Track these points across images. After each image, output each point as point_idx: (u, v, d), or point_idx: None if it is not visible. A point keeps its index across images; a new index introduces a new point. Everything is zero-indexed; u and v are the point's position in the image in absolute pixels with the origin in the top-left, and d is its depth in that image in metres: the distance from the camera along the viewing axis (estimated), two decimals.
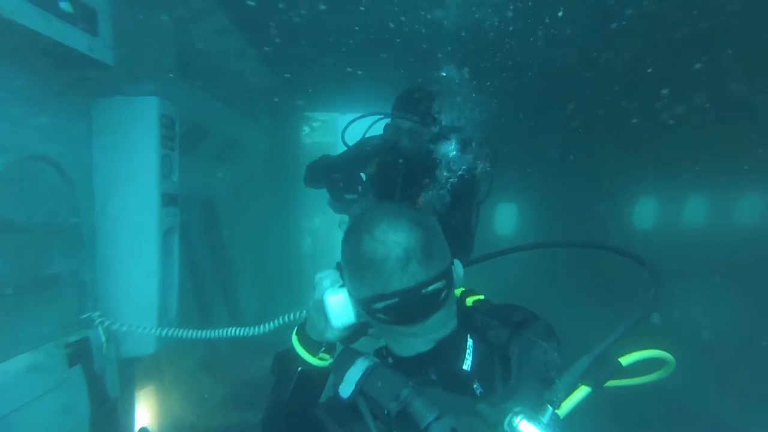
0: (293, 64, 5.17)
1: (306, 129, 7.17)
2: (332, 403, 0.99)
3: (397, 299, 0.93)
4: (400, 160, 2.56)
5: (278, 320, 2.12)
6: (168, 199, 2.57)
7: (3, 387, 1.78)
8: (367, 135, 2.95)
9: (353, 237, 0.99)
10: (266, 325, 2.16)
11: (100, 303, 2.39)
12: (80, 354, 2.16)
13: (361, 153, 2.81)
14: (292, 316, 2.10)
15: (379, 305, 0.95)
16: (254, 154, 5.93)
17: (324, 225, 8.04)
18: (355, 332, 1.13)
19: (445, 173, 2.50)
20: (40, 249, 2.10)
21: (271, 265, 6.51)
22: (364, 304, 0.99)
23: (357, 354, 1.00)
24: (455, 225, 2.54)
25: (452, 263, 1.02)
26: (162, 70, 3.17)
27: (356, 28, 4.11)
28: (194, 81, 3.96)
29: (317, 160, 2.86)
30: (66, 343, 2.11)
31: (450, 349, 1.01)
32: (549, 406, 0.85)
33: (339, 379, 0.96)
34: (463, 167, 2.56)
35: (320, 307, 1.08)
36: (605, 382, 0.96)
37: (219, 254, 5.23)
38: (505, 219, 7.27)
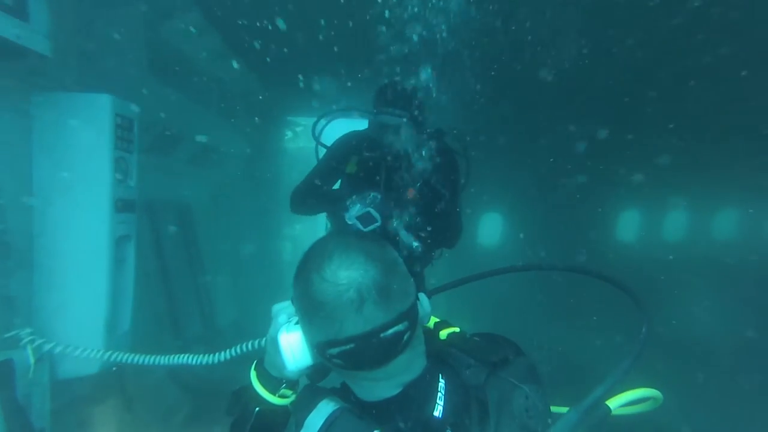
0: (275, 69, 5.05)
1: (289, 134, 7.03)
2: None
3: (352, 345, 0.84)
4: (380, 155, 2.52)
5: (234, 349, 1.98)
6: (123, 205, 2.40)
7: None
8: (321, 133, 2.95)
9: (302, 276, 0.88)
10: (220, 354, 2.02)
11: (35, 319, 2.18)
12: (1, 378, 1.95)
13: (336, 157, 2.73)
14: (249, 345, 1.97)
15: (334, 351, 0.86)
16: (234, 158, 5.78)
17: (305, 232, 7.88)
18: (317, 369, 1.02)
19: (424, 164, 2.49)
20: None
21: (249, 273, 6.34)
22: (318, 349, 0.90)
23: (320, 395, 0.93)
24: (446, 212, 2.55)
25: (416, 299, 0.92)
26: (130, 68, 3.01)
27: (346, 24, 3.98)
28: (168, 82, 3.81)
29: (303, 186, 2.76)
30: None
31: (419, 393, 0.92)
32: None
33: (299, 425, 0.88)
34: (444, 157, 2.58)
35: (275, 344, 0.97)
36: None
37: (194, 261, 5.05)
38: (490, 230, 7.19)
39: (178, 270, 4.71)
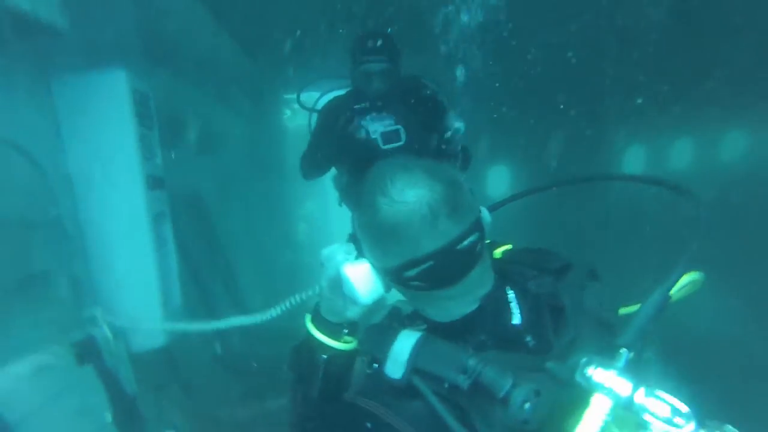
0: (268, 46, 4.96)
1: (288, 112, 6.96)
2: (373, 387, 0.89)
3: (431, 262, 0.85)
4: (369, 104, 2.67)
5: (287, 302, 2.01)
6: (154, 182, 2.40)
7: (12, 392, 1.65)
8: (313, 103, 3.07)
9: (367, 204, 0.88)
10: (275, 308, 2.05)
11: (99, 298, 2.24)
12: (88, 353, 2.02)
13: (326, 119, 2.85)
14: (299, 297, 2.00)
15: (412, 272, 0.86)
16: (238, 142, 5.74)
17: (317, 209, 7.90)
18: (377, 305, 1.02)
19: (412, 99, 2.67)
20: (19, 246, 1.93)
21: (268, 255, 6.38)
22: (393, 274, 0.90)
23: (394, 328, 0.92)
24: (447, 149, 2.66)
25: (480, 211, 0.93)
26: (125, 49, 2.95)
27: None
28: (165, 67, 3.74)
29: (307, 152, 2.95)
30: (71, 343, 1.98)
31: (495, 305, 0.94)
32: (622, 350, 0.77)
33: (382, 359, 0.87)
34: (427, 94, 2.74)
35: (337, 284, 0.97)
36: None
37: (213, 246, 5.07)
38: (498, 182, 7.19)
39: (199, 255, 4.74)
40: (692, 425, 0.67)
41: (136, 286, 2.28)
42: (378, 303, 1.01)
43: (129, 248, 2.27)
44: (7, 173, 1.87)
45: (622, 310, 0.99)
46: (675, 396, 0.70)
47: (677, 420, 0.67)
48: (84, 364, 2.03)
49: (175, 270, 2.57)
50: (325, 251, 1.03)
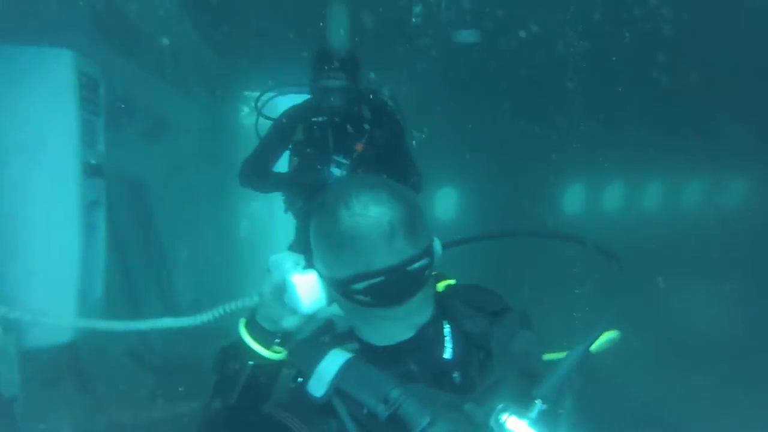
0: (233, 40, 4.90)
1: (245, 109, 6.86)
2: (294, 401, 0.91)
3: (382, 278, 0.86)
4: (326, 118, 2.68)
5: (220, 308, 1.99)
6: (91, 170, 2.32)
7: None
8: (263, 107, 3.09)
9: (326, 212, 0.90)
10: (206, 313, 2.02)
11: None
12: None
13: (283, 128, 2.87)
14: (234, 304, 1.99)
15: (360, 285, 0.88)
16: (189, 133, 5.58)
17: (261, 208, 7.77)
18: (311, 318, 1.04)
19: (367, 118, 2.71)
20: None
21: (206, 250, 6.20)
22: (341, 285, 0.90)
23: (325, 345, 0.93)
24: (402, 161, 2.77)
25: (433, 239, 0.95)
26: (76, 29, 2.82)
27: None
28: (117, 48, 3.61)
29: (252, 160, 2.91)
30: None
31: (430, 336, 0.96)
32: (537, 401, 0.80)
33: (307, 375, 0.87)
34: (384, 111, 2.80)
35: (279, 292, 0.98)
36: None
37: (150, 237, 4.88)
38: (445, 205, 7.43)
39: (133, 245, 4.54)
40: None
41: (50, 276, 2.14)
42: (314, 316, 1.02)
43: (49, 235, 2.16)
44: None
45: (547, 356, 1.02)
46: None
47: None
48: None
49: (101, 261, 2.46)
50: (273, 258, 1.03)
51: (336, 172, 2.70)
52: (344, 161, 2.75)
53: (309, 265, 0.98)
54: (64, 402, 3.10)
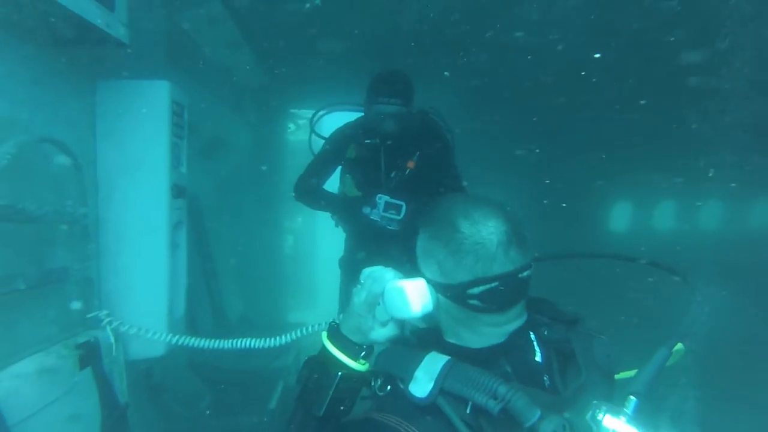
0: (285, 61, 5.06)
1: (291, 126, 7.03)
2: (390, 404, 0.92)
3: (497, 283, 0.92)
4: (378, 140, 2.72)
5: (301, 330, 2.06)
6: (177, 191, 2.42)
7: (15, 393, 1.61)
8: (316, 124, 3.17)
9: (445, 223, 0.96)
10: (288, 335, 2.09)
11: (104, 301, 2.22)
12: (90, 356, 1.99)
13: (336, 146, 2.93)
14: (312, 327, 2.06)
15: (477, 290, 0.93)
16: (239, 150, 5.75)
17: (306, 225, 7.89)
18: (401, 332, 1.08)
19: (418, 139, 2.75)
20: (46, 241, 1.93)
21: (254, 266, 6.32)
22: (457, 290, 0.95)
23: (419, 350, 0.95)
24: (450, 178, 2.80)
25: None
26: (152, 57, 2.99)
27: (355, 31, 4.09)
28: (185, 72, 3.78)
29: (305, 174, 2.97)
30: (76, 344, 1.95)
31: (521, 341, 1.00)
32: (632, 397, 0.84)
33: (405, 378, 0.90)
34: (434, 131, 2.84)
35: (374, 302, 1.03)
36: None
37: (204, 254, 5.02)
38: None
39: (191, 261, 4.67)
40: None
41: (146, 293, 2.28)
42: (403, 328, 1.07)
43: (145, 254, 2.27)
44: (47, 168, 1.87)
45: (619, 375, 1.03)
46: None
47: None
48: (84, 367, 2.01)
49: (184, 280, 2.57)
50: (367, 271, 1.08)
51: (381, 202, 2.70)
52: (395, 178, 2.79)
53: (408, 276, 1.02)
54: (137, 408, 3.20)
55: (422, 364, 0.91)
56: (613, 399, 0.89)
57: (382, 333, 1.05)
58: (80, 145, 2.09)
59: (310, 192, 2.93)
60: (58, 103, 1.97)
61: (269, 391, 4.14)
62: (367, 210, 2.70)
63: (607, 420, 0.80)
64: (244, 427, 3.88)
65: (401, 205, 2.67)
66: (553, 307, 1.09)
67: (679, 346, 1.07)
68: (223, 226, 5.48)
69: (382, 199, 2.69)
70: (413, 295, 0.98)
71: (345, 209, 2.90)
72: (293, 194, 3.03)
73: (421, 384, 0.87)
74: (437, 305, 1.00)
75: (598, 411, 0.81)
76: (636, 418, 0.80)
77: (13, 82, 1.72)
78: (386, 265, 1.09)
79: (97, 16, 1.77)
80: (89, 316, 2.09)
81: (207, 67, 4.33)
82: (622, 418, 0.80)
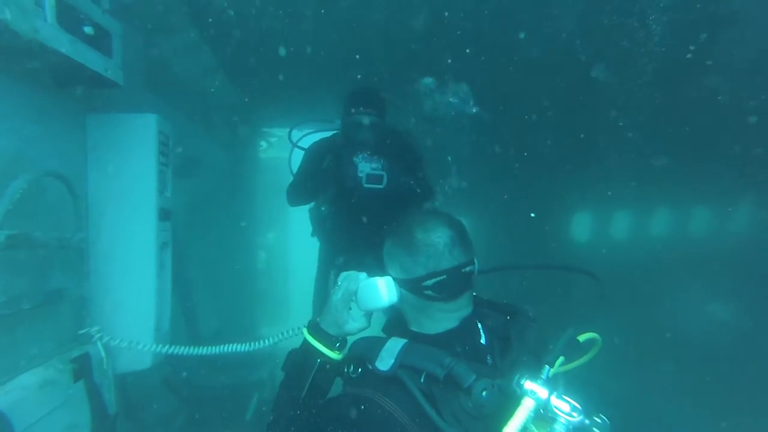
0: (258, 82, 5.27)
1: (263, 144, 7.21)
2: (362, 381, 1.17)
3: (444, 276, 1.18)
4: (353, 150, 2.97)
5: (278, 335, 2.24)
6: (163, 214, 2.62)
7: (21, 402, 1.77)
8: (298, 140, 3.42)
9: (405, 231, 1.24)
10: (268, 339, 2.27)
11: (95, 318, 2.38)
12: (83, 369, 2.16)
13: (314, 157, 3.17)
14: (289, 331, 2.25)
15: (429, 282, 1.19)
16: (212, 168, 5.88)
17: (278, 240, 8.02)
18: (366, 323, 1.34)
19: (391, 148, 2.99)
20: (47, 264, 2.10)
21: (227, 282, 6.42)
22: (415, 283, 1.20)
23: (383, 337, 1.20)
24: (423, 181, 3.09)
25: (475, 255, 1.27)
26: (132, 84, 3.17)
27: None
28: (161, 96, 3.95)
29: (293, 182, 3.22)
30: (70, 359, 2.11)
31: (470, 326, 1.26)
32: (546, 365, 1.10)
33: (372, 358, 1.13)
34: (404, 142, 3.10)
35: (349, 298, 1.29)
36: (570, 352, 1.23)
37: (179, 270, 5.10)
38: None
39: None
40: (581, 417, 1.03)
41: (134, 308, 2.45)
42: (370, 321, 1.31)
43: (134, 273, 2.46)
44: (47, 198, 2.05)
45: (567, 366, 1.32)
46: (574, 399, 1.04)
47: (574, 414, 1.03)
48: (78, 380, 2.17)
49: (168, 297, 2.74)
50: (345, 273, 1.33)
51: (366, 167, 2.95)
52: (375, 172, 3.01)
53: (375, 276, 1.28)
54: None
55: (386, 346, 1.15)
56: (538, 372, 1.10)
57: (354, 325, 1.29)
58: (76, 177, 2.27)
59: (299, 190, 3.14)
60: (56, 138, 2.15)
61: (245, 405, 4.28)
62: (357, 159, 2.94)
63: (527, 384, 1.06)
64: None
65: (382, 175, 2.97)
66: (497, 303, 1.35)
67: (595, 335, 1.34)
68: (197, 243, 5.58)
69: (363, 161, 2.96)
70: (382, 288, 1.23)
71: (335, 166, 3.03)
72: (288, 204, 3.24)
73: (385, 360, 1.11)
74: (401, 298, 1.25)
75: (521, 377, 1.06)
76: (547, 382, 1.06)
77: (20, 120, 1.91)
78: (360, 270, 1.36)
79: (98, 65, 1.98)
80: (80, 332, 2.25)
81: (182, 92, 4.51)
82: (538, 383, 1.06)
